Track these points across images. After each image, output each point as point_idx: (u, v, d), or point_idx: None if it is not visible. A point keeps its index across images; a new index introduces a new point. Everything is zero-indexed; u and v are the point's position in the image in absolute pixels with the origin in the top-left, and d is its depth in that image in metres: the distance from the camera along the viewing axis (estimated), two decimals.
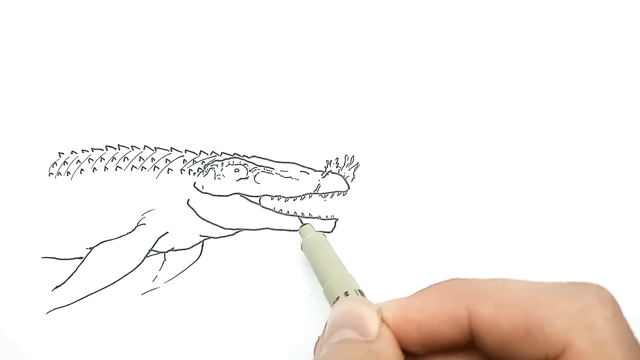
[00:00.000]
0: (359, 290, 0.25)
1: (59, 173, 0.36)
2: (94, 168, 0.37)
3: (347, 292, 0.25)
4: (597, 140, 0.36)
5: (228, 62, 0.39)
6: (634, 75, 0.38)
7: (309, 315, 0.31)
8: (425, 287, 0.21)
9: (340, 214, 0.35)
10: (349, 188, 0.35)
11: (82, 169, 0.37)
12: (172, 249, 0.34)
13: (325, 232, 0.34)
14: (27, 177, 0.36)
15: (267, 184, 0.35)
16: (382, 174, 0.36)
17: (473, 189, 0.35)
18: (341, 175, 0.36)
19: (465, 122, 0.37)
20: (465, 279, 0.21)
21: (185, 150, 0.37)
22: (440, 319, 0.20)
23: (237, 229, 0.35)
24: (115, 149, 0.37)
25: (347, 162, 0.36)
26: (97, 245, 0.34)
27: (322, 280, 0.27)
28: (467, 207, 0.35)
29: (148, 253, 0.34)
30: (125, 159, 0.37)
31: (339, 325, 0.21)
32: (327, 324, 0.22)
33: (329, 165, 0.36)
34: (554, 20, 0.40)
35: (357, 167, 0.36)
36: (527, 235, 0.34)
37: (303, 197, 0.35)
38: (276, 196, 0.35)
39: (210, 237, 0.34)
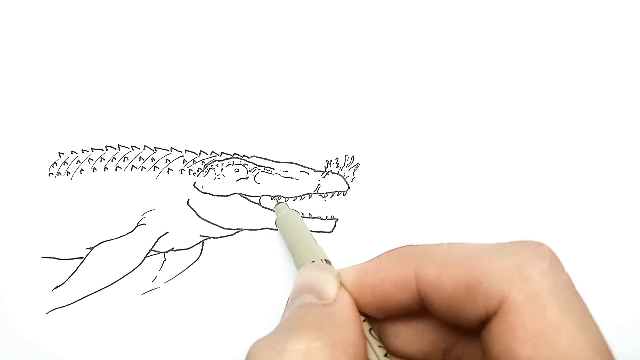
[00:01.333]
0: (326, 260, 0.26)
1: (59, 173, 0.36)
2: (94, 168, 0.37)
3: (313, 261, 0.26)
4: (597, 141, 0.36)
5: (228, 63, 0.39)
6: (634, 75, 0.38)
7: None
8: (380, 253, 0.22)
9: (340, 214, 0.35)
10: (349, 188, 0.35)
11: (82, 169, 0.37)
12: (172, 249, 0.34)
13: (325, 232, 0.34)
14: (27, 177, 0.36)
15: (267, 184, 0.35)
16: (382, 174, 0.36)
17: (473, 189, 0.35)
18: (341, 175, 0.36)
19: (465, 122, 0.37)
20: (416, 245, 0.22)
21: (185, 150, 0.37)
22: (391, 282, 0.21)
23: (237, 229, 0.35)
24: (115, 149, 0.37)
25: (347, 162, 0.36)
26: (97, 245, 0.34)
27: (292, 252, 0.29)
28: (467, 207, 0.35)
29: (148, 253, 0.34)
30: (125, 159, 0.37)
31: (300, 290, 0.22)
32: (291, 290, 0.23)
33: (329, 165, 0.36)
34: (554, 20, 0.40)
35: (357, 167, 0.36)
36: (527, 235, 0.34)
37: (303, 197, 0.35)
38: (276, 196, 0.35)
39: (210, 237, 0.34)
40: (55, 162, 0.37)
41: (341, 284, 0.22)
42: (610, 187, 0.35)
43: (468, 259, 0.19)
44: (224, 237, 0.34)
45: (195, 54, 0.40)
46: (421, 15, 0.41)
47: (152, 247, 0.34)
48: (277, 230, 0.34)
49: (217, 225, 0.35)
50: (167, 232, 0.35)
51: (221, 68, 0.39)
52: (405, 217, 0.34)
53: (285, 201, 0.35)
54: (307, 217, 0.34)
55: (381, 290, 0.21)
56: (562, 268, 0.19)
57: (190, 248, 0.34)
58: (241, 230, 0.34)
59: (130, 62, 0.40)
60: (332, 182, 0.35)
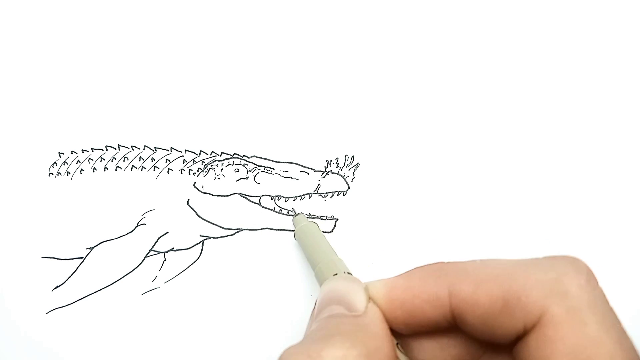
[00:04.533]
0: (348, 273, 0.26)
1: (59, 173, 0.36)
2: (94, 168, 0.37)
3: (336, 273, 0.26)
4: (597, 141, 0.36)
5: (228, 62, 0.39)
6: (634, 75, 0.38)
7: (308, 315, 0.31)
8: (411, 269, 0.22)
9: (340, 214, 0.35)
10: (349, 188, 0.35)
11: (82, 169, 0.37)
12: (172, 249, 0.34)
13: (325, 232, 0.34)
14: (27, 177, 0.36)
15: (267, 184, 0.35)
16: (382, 174, 0.36)
17: (473, 188, 0.35)
18: (341, 175, 0.36)
19: (465, 122, 0.37)
20: (448, 262, 0.21)
21: (185, 150, 0.37)
22: (422, 298, 0.21)
23: (237, 229, 0.35)
24: (115, 149, 0.37)
25: (347, 162, 0.36)
26: (97, 245, 0.34)
27: (313, 265, 0.28)
28: (467, 207, 0.35)
29: (148, 253, 0.34)
30: (125, 159, 0.37)
31: (328, 302, 0.22)
32: (317, 302, 0.22)
33: (329, 165, 0.36)
34: (554, 20, 0.40)
35: (357, 167, 0.36)
36: (527, 235, 0.34)
37: (303, 197, 0.35)
38: (276, 196, 0.35)
39: (210, 237, 0.34)
40: (55, 162, 0.37)
41: (370, 297, 0.21)
42: (610, 187, 0.35)
43: (504, 274, 0.19)
44: (224, 237, 0.34)
45: (195, 54, 0.40)
46: (421, 15, 0.41)
47: (152, 247, 0.34)
48: (277, 230, 0.34)
49: (217, 225, 0.35)
50: (167, 232, 0.35)
51: (221, 68, 0.39)
52: (405, 217, 0.34)
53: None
54: (307, 217, 0.34)
55: (411, 306, 0.21)
56: (597, 283, 0.19)
57: (190, 248, 0.34)
58: (241, 230, 0.34)
59: (130, 63, 0.40)
60: (332, 182, 0.35)
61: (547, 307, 0.18)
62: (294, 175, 0.36)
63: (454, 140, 0.37)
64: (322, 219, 0.34)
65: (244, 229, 0.34)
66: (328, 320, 0.21)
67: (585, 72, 0.39)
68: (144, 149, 0.37)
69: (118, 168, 0.36)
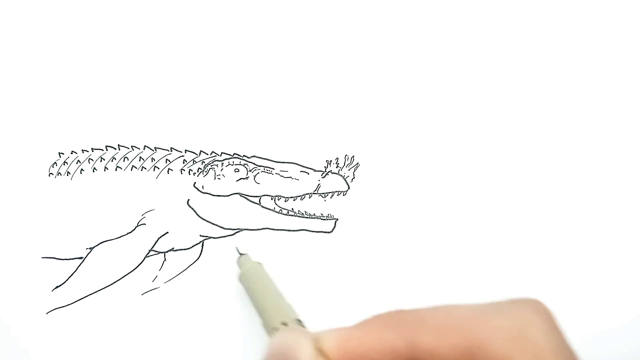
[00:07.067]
0: (298, 320, 0.24)
1: (59, 173, 0.36)
2: (94, 168, 0.37)
3: (285, 322, 0.24)
4: (597, 140, 0.36)
5: (228, 62, 0.39)
6: (634, 75, 0.38)
7: (308, 315, 0.31)
8: (366, 317, 0.21)
9: (340, 214, 0.35)
10: (349, 188, 0.35)
11: (82, 169, 0.37)
12: (172, 249, 0.34)
13: (325, 232, 0.34)
14: (27, 177, 0.36)
15: (267, 184, 0.35)
16: (382, 174, 0.36)
17: (473, 188, 0.35)
18: (341, 175, 0.36)
19: (465, 122, 0.37)
20: (408, 310, 0.20)
21: (185, 150, 0.37)
22: (379, 351, 0.19)
23: (237, 229, 0.35)
24: (115, 149, 0.37)
25: (347, 162, 0.36)
26: (97, 245, 0.34)
27: (260, 312, 0.27)
28: (467, 207, 0.35)
29: (148, 253, 0.34)
30: (125, 159, 0.37)
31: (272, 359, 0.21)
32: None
33: (329, 165, 0.36)
34: (554, 20, 0.40)
35: (357, 167, 0.36)
36: (527, 236, 0.34)
37: (303, 197, 0.35)
38: (276, 196, 0.35)
39: (210, 237, 0.34)
40: (55, 162, 0.37)
41: (321, 350, 0.20)
42: (610, 187, 0.35)
43: (466, 323, 0.19)
44: (224, 237, 0.34)
45: (195, 54, 0.40)
46: (421, 15, 0.41)
47: (152, 247, 0.34)
48: (277, 230, 0.34)
49: (217, 225, 0.35)
50: (167, 232, 0.35)
51: (221, 68, 0.39)
52: (405, 217, 0.34)
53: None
54: (307, 217, 0.34)
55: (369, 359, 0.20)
56: (559, 325, 0.19)
57: (190, 248, 0.34)
58: (241, 230, 0.34)
59: (130, 62, 0.40)
60: (332, 182, 0.35)
61: (512, 356, 0.18)
62: (294, 175, 0.36)
63: (454, 140, 0.37)
64: (322, 219, 0.34)
65: (244, 229, 0.34)
66: None
67: (585, 72, 0.39)
68: (144, 149, 0.37)
69: (118, 168, 0.36)
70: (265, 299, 0.27)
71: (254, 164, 0.36)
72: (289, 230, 0.34)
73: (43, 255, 0.34)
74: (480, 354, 0.18)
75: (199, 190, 0.36)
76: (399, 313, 0.20)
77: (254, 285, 0.29)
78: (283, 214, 0.35)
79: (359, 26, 0.40)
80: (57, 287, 0.33)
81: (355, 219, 0.34)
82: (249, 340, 0.31)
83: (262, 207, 0.35)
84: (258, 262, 0.31)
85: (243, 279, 0.30)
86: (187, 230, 0.35)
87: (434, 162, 0.36)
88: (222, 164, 0.36)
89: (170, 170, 0.36)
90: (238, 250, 0.32)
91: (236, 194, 0.35)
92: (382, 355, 0.19)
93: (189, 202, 0.35)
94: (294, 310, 0.26)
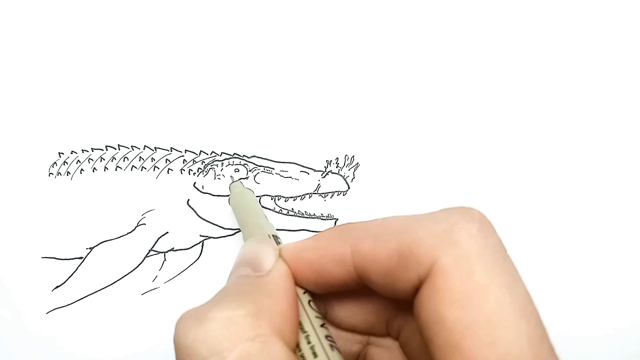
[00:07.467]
0: (274, 235, 0.25)
1: (59, 173, 0.36)
2: (94, 168, 0.37)
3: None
4: (597, 140, 0.36)
5: (228, 62, 0.39)
6: (634, 76, 0.38)
7: None
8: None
9: (340, 214, 0.35)
10: (349, 188, 0.35)
11: (82, 169, 0.37)
12: (172, 249, 0.34)
13: None
14: (27, 177, 0.36)
15: (267, 184, 0.35)
16: (382, 174, 0.36)
17: (473, 188, 0.35)
18: (341, 175, 0.36)
19: (465, 122, 0.37)
20: (355, 222, 0.22)
21: (185, 150, 0.37)
22: (328, 259, 0.21)
23: (237, 229, 0.35)
24: (115, 149, 0.37)
25: (347, 162, 0.36)
26: (97, 245, 0.34)
27: (242, 228, 0.29)
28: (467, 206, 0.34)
29: (148, 253, 0.34)
30: (125, 159, 0.37)
31: (238, 264, 0.22)
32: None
33: (329, 165, 0.36)
34: (554, 21, 0.40)
35: (357, 167, 0.36)
36: (527, 234, 0.34)
37: (303, 197, 0.35)
38: (276, 196, 0.35)
39: (210, 237, 0.34)
40: (55, 162, 0.37)
41: (281, 258, 0.22)
42: (610, 187, 0.35)
43: (400, 228, 0.20)
44: (224, 237, 0.34)
45: (195, 54, 0.40)
46: (421, 15, 0.41)
47: (152, 247, 0.34)
48: (277, 230, 0.34)
49: (217, 225, 0.35)
50: (167, 232, 0.35)
51: (221, 68, 0.39)
52: None
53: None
54: (307, 217, 0.34)
55: (318, 267, 0.21)
56: (493, 231, 0.20)
57: (190, 248, 0.34)
58: (241, 230, 0.34)
59: (130, 62, 0.40)
60: (332, 182, 0.35)
61: (436, 258, 0.18)
62: (294, 175, 0.36)
63: (453, 140, 0.37)
64: (322, 219, 0.34)
65: None
66: (230, 282, 0.21)
67: (585, 72, 0.39)
68: (144, 149, 0.37)
69: (118, 168, 0.36)
70: (248, 217, 0.29)
71: (254, 164, 0.36)
72: (289, 230, 0.34)
73: (43, 255, 0.34)
74: (411, 256, 0.19)
75: (199, 190, 0.36)
76: (348, 225, 0.22)
77: (240, 206, 0.31)
78: (283, 214, 0.35)
79: (358, 27, 0.40)
80: (57, 287, 0.33)
81: (355, 219, 0.34)
82: None
83: (262, 207, 0.35)
84: (248, 189, 0.32)
85: (232, 202, 0.32)
86: (187, 230, 0.35)
87: (433, 162, 0.36)
88: (222, 164, 0.36)
89: (170, 170, 0.36)
90: (232, 178, 0.35)
91: None
92: (330, 261, 0.21)
93: (189, 202, 0.35)
94: (272, 227, 0.27)
